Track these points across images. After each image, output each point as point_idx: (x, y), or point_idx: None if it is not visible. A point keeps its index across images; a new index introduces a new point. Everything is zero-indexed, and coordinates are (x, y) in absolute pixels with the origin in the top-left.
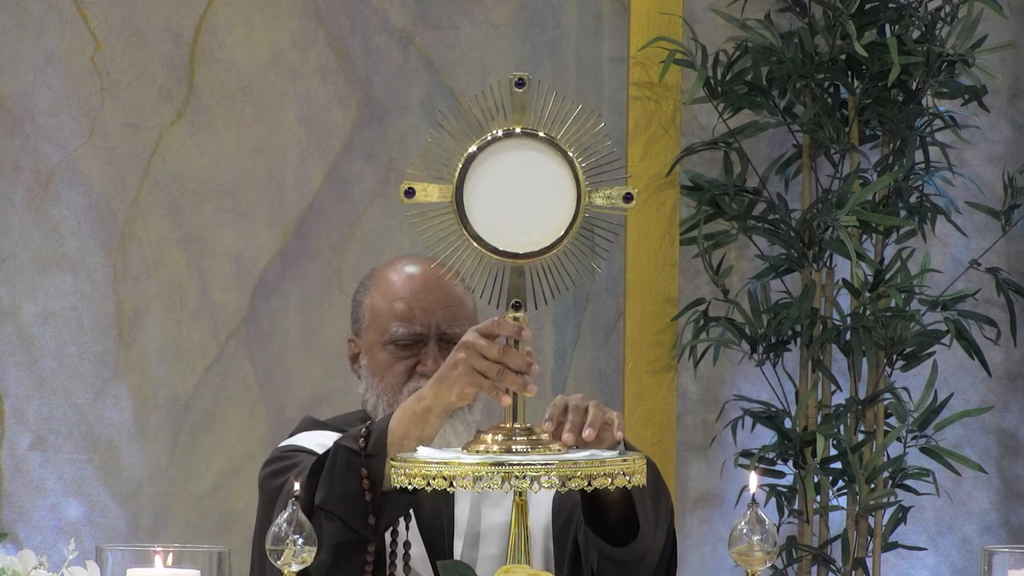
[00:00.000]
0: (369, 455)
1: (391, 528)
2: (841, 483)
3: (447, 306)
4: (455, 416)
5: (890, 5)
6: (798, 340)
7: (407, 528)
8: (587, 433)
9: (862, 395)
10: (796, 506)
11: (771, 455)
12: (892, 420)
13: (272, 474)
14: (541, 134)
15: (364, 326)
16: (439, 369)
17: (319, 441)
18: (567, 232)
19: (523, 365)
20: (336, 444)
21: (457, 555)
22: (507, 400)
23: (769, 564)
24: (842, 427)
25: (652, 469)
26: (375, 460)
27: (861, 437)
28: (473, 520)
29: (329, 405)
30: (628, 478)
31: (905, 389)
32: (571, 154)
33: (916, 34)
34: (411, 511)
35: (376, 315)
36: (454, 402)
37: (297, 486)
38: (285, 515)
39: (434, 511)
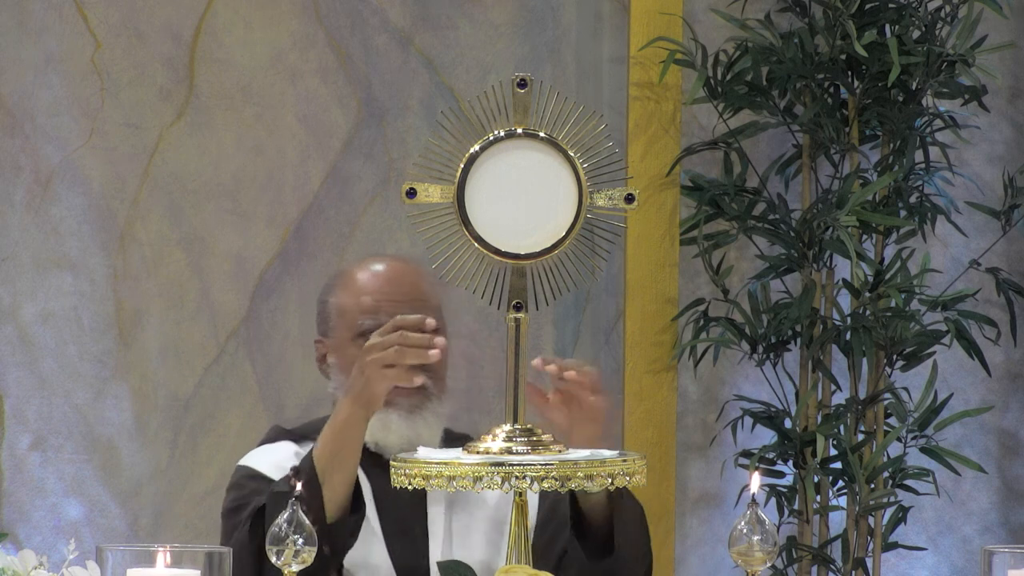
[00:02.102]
0: (300, 497)
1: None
2: (841, 483)
3: (413, 299)
4: (424, 409)
5: (890, 5)
6: (798, 340)
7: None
8: (569, 374)
9: (862, 395)
10: (796, 506)
11: (771, 455)
12: (892, 420)
13: (229, 511)
14: (542, 135)
15: (331, 325)
16: (349, 382)
17: (275, 460)
18: (568, 233)
19: (423, 340)
20: (270, 492)
21: (435, 556)
22: (419, 380)
23: (769, 564)
24: (842, 427)
25: (642, 524)
26: (311, 497)
27: (861, 437)
28: (448, 520)
29: (329, 405)
30: (628, 478)
31: (905, 389)
32: (572, 155)
33: (916, 34)
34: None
35: (344, 312)
36: (372, 407)
37: (299, 487)
38: (285, 515)
39: (409, 513)
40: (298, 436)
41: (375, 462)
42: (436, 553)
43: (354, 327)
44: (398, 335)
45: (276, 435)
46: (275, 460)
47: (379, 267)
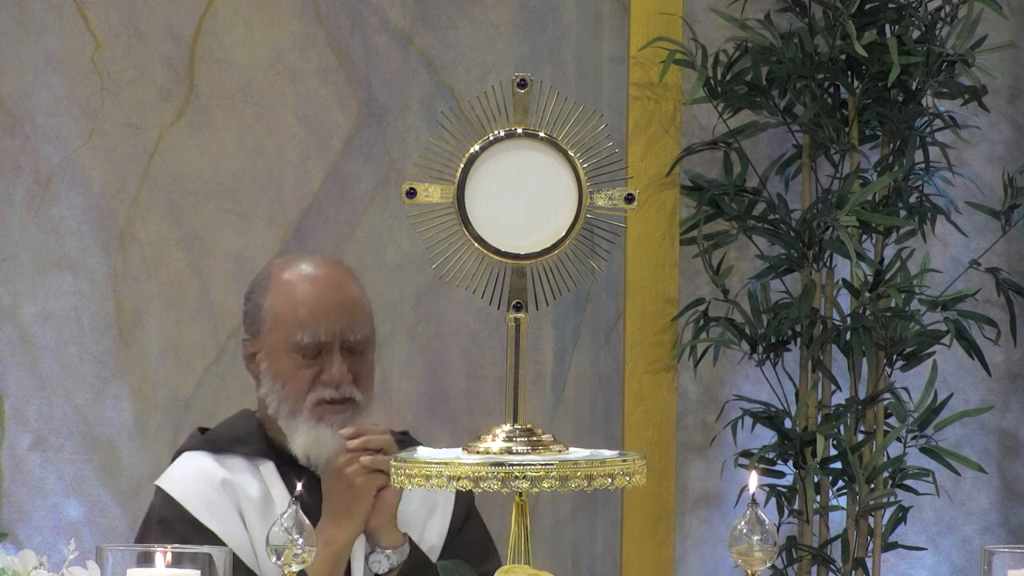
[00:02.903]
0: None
1: None
2: (841, 483)
3: (349, 311)
4: (355, 422)
5: (890, 5)
6: (798, 340)
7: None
8: (351, 443)
9: (862, 395)
10: (796, 506)
11: (771, 455)
12: (892, 420)
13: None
14: (542, 135)
15: (264, 328)
16: (335, 508)
17: (203, 494)
18: (568, 233)
19: (387, 442)
20: None
21: (357, 571)
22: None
23: (769, 564)
24: (842, 427)
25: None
26: None
27: (861, 437)
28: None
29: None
30: (628, 478)
31: (905, 389)
32: (572, 155)
33: (916, 34)
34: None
35: (278, 319)
36: (365, 518)
37: (300, 486)
38: (285, 515)
39: None
40: (216, 447)
41: (302, 474)
42: (358, 568)
43: (290, 340)
44: (363, 440)
45: (195, 443)
46: (204, 494)
47: (313, 272)
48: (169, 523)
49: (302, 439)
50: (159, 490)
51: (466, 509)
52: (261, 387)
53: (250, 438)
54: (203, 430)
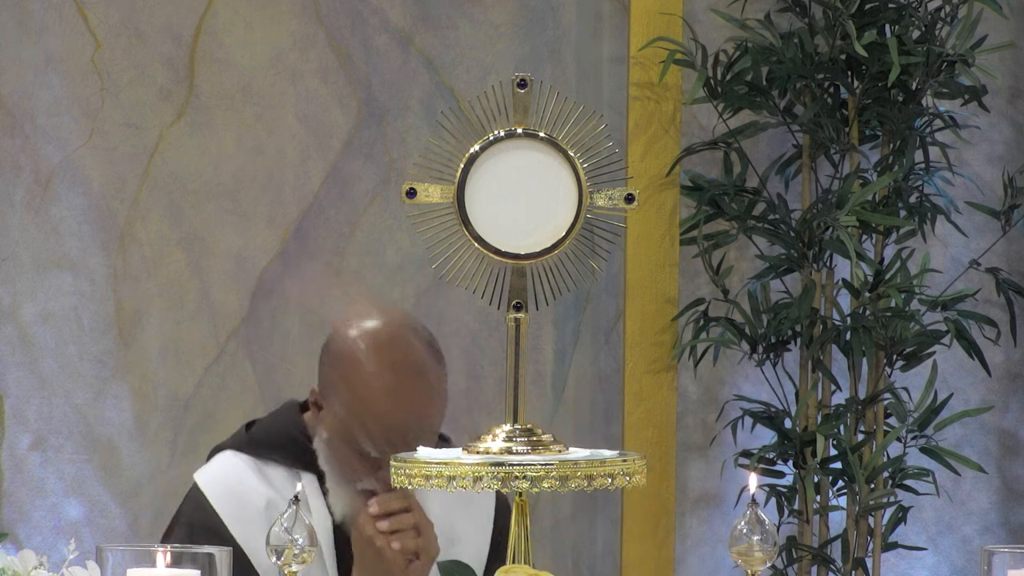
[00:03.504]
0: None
1: None
2: (841, 483)
3: (421, 428)
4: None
5: (890, 5)
6: (798, 340)
7: None
8: (381, 525)
9: (862, 395)
10: (796, 506)
11: (771, 455)
12: (892, 420)
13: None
14: (542, 135)
15: (330, 399)
16: (365, 573)
17: (236, 499)
18: (568, 233)
19: (410, 520)
20: None
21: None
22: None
23: (769, 564)
24: (842, 427)
25: None
26: None
27: (861, 437)
28: None
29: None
30: (628, 478)
31: (905, 389)
32: (572, 155)
33: (916, 34)
34: None
35: (348, 411)
36: None
37: (299, 486)
38: (285, 515)
39: None
40: (259, 452)
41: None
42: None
43: (354, 439)
44: (392, 521)
45: (238, 443)
46: (240, 505)
47: (396, 368)
48: (194, 530)
49: (341, 505)
50: (195, 488)
51: (503, 530)
52: (316, 437)
53: (293, 446)
54: (249, 425)
